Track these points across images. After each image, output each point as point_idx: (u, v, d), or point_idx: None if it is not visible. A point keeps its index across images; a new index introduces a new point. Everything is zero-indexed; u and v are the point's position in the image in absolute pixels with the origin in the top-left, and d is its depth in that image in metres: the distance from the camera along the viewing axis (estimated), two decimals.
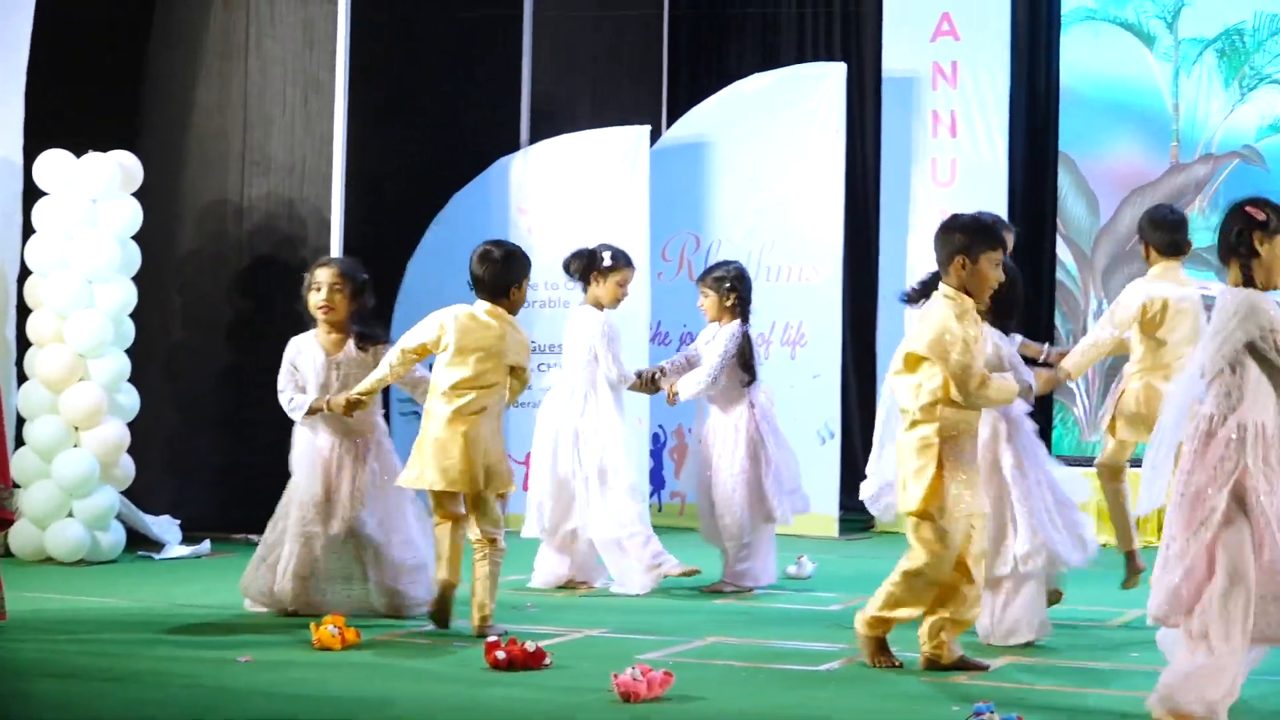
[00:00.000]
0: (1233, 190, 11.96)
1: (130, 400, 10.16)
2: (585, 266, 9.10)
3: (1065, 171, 12.59)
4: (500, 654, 6.55)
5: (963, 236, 6.82)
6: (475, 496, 7.44)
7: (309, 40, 10.93)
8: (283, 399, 8.08)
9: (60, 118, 10.29)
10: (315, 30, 10.91)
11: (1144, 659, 7.10)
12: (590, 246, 9.24)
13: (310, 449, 8.00)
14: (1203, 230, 12.22)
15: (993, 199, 12.04)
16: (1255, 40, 12.20)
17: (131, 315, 10.17)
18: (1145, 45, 12.44)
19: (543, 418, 9.18)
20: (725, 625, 7.80)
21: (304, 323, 8.19)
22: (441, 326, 7.53)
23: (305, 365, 8.04)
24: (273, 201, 10.97)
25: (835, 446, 11.72)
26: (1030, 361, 7.99)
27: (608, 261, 9.06)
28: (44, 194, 10.04)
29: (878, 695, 6.30)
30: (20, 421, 9.88)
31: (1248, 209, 6.04)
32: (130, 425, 10.09)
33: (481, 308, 7.57)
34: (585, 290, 9.17)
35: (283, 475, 8.13)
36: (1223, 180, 12.22)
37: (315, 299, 8.05)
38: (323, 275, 8.07)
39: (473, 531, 7.46)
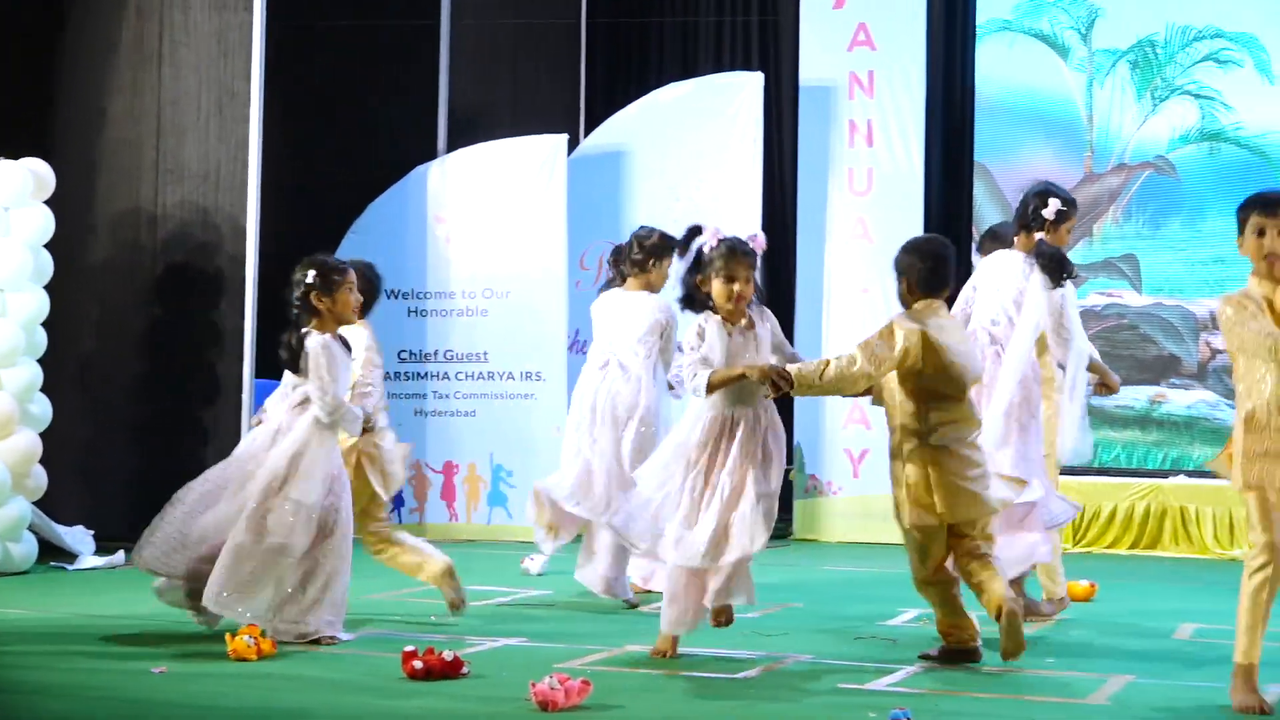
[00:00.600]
0: (1145, 200, 12.10)
1: (42, 410, 10.06)
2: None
3: (981, 181, 12.68)
4: (417, 664, 6.52)
5: None
6: None
7: (223, 49, 10.87)
8: None
9: None
10: (229, 39, 10.86)
11: (1059, 665, 7.16)
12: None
13: (330, 458, 7.67)
14: (1116, 240, 12.37)
15: (909, 208, 12.12)
16: (1167, 52, 12.32)
17: (44, 324, 10.07)
18: (1060, 56, 12.54)
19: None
20: (644, 633, 7.79)
21: (221, 330, 8.13)
22: None
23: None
24: (187, 209, 10.89)
25: None
26: None
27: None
28: None
29: (795, 702, 6.31)
30: None
31: None
32: (42, 435, 9.99)
33: None
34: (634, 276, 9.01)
35: None
36: (1136, 190, 12.34)
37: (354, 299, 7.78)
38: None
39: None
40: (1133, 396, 12.08)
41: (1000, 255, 8.40)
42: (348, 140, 12.51)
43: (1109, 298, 12.23)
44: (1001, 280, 8.27)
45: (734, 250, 7.20)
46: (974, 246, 12.60)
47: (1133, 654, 7.51)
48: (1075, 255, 12.43)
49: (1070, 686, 6.71)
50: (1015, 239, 8.33)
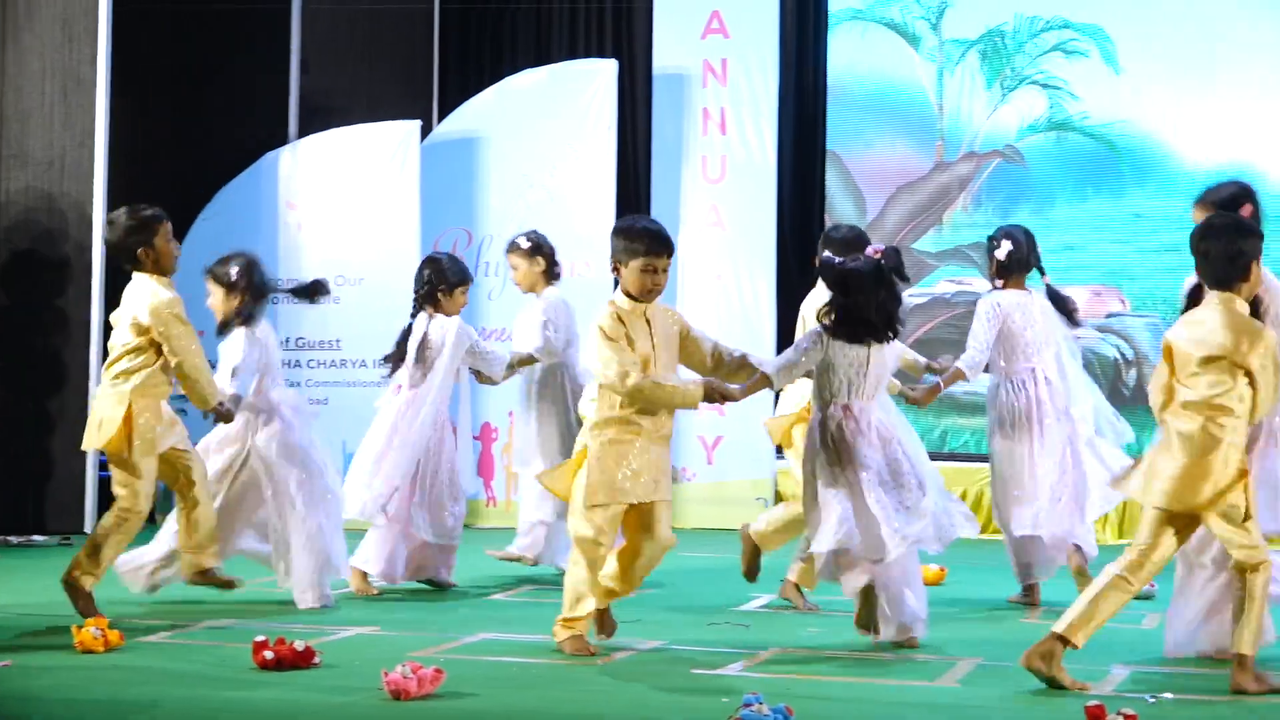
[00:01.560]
0: (995, 188, 12.23)
1: None
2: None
3: (833, 169, 12.76)
4: (268, 654, 6.45)
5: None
6: None
7: (68, 34, 10.69)
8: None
9: None
10: (75, 24, 10.68)
11: (871, 644, 7.23)
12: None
13: None
14: (966, 228, 12.49)
15: (762, 196, 12.18)
16: (1016, 42, 12.47)
17: None
18: (911, 45, 12.65)
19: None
20: (497, 621, 7.77)
21: (67, 318, 8.01)
22: None
23: None
24: (32, 196, 10.70)
25: None
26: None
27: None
28: None
29: (649, 688, 6.32)
30: None
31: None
32: None
33: None
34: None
35: (46, 474, 7.93)
36: (985, 178, 12.47)
37: None
38: None
39: None
40: (983, 383, 12.25)
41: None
42: (197, 126, 12.35)
43: (959, 285, 12.36)
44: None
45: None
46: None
47: (982, 637, 7.60)
48: (925, 243, 12.57)
49: (920, 669, 6.77)
50: None
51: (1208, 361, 6.31)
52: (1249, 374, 6.29)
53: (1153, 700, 6.10)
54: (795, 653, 7.08)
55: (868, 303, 7.04)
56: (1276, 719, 5.99)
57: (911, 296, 12.51)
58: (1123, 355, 12.07)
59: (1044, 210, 12.22)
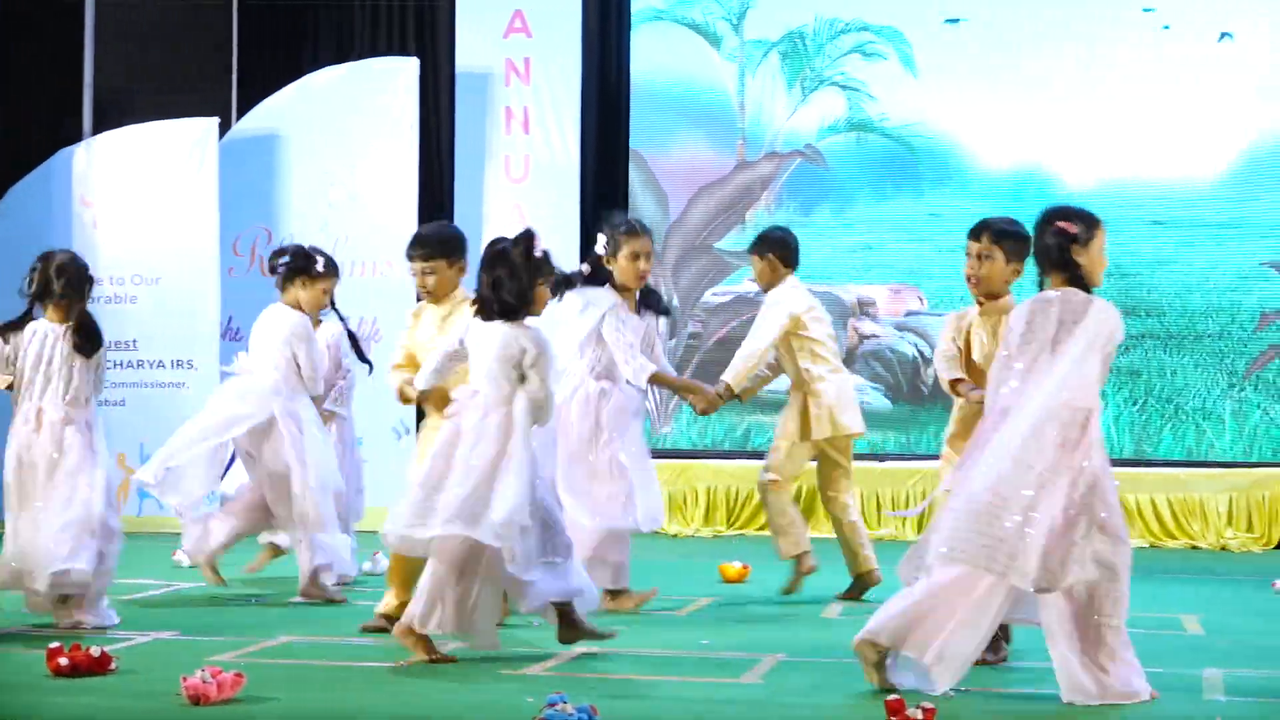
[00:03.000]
0: (796, 188, 12.35)
1: None
2: (296, 268, 8.74)
3: (636, 169, 12.80)
4: (63, 660, 6.32)
5: None
6: None
7: None
8: None
9: None
10: None
11: (714, 645, 7.27)
12: (304, 246, 8.86)
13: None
14: (768, 227, 12.56)
15: (565, 195, 12.19)
16: (816, 43, 12.59)
17: None
18: (712, 46, 12.73)
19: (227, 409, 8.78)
20: (298, 624, 7.68)
21: None
22: None
23: None
24: None
25: (411, 442, 11.66)
26: None
27: (320, 268, 8.72)
28: None
29: (455, 688, 6.29)
30: None
31: (1060, 225, 6.21)
32: None
33: None
34: (284, 290, 8.72)
35: None
36: (786, 178, 12.59)
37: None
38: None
39: None
40: (783, 381, 12.35)
41: None
42: None
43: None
44: None
45: None
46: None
47: (784, 633, 7.66)
48: (727, 242, 12.66)
49: (724, 666, 6.81)
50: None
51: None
52: None
53: (952, 695, 6.18)
54: (601, 652, 7.08)
55: (484, 281, 6.92)
56: (1076, 712, 6.11)
57: (714, 295, 12.60)
58: (921, 353, 12.25)
59: (844, 210, 12.36)
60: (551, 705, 5.52)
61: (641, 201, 12.74)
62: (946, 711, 5.71)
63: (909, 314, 12.34)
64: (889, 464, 12.06)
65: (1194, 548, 11.40)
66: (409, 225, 11.83)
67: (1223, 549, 11.41)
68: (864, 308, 12.26)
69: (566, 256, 12.10)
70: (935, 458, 11.90)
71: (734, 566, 9.36)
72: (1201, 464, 11.89)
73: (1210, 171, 12.07)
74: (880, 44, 12.52)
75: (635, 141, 12.82)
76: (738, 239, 12.58)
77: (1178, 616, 8.28)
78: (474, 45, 12.44)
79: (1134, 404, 12.09)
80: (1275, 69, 11.93)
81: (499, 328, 6.77)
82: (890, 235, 12.13)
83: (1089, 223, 6.25)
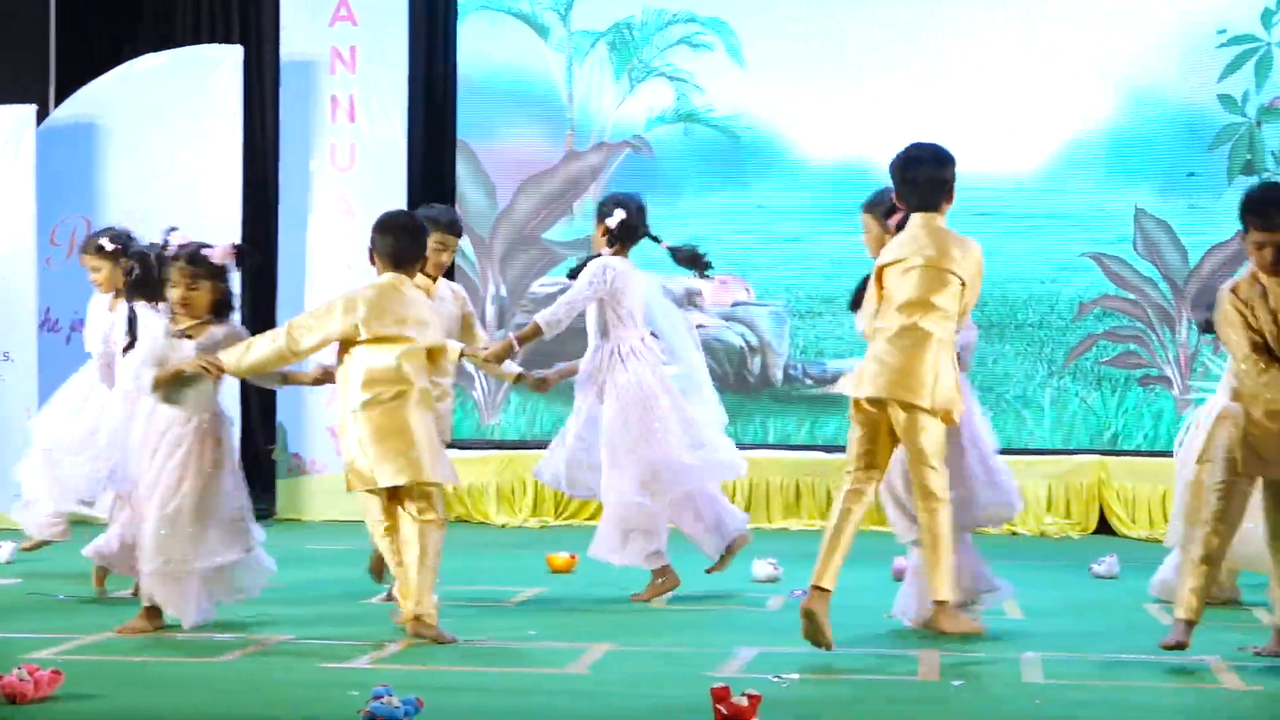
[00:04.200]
0: (624, 178, 12.35)
1: None
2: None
3: (463, 159, 12.74)
4: None
5: None
6: None
7: None
8: None
9: None
10: None
11: (541, 635, 7.27)
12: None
13: None
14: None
15: (392, 185, 12.11)
16: (644, 34, 12.62)
17: None
18: (540, 36, 12.70)
19: None
20: (118, 620, 7.55)
21: None
22: None
23: None
24: None
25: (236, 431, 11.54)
26: None
27: None
28: None
29: (277, 683, 6.23)
30: None
31: None
32: None
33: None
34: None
35: None
36: (615, 168, 12.60)
37: None
38: None
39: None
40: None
41: None
42: None
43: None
44: None
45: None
46: None
47: (613, 622, 7.68)
48: (555, 232, 12.65)
49: (551, 656, 6.82)
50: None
51: (919, 269, 6.92)
52: (961, 281, 6.96)
53: (777, 680, 6.23)
54: (425, 645, 7.04)
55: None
56: (903, 695, 6.18)
57: (542, 286, 12.57)
58: (748, 343, 12.32)
59: (672, 201, 12.38)
60: (376, 698, 5.49)
61: (469, 192, 12.69)
62: (772, 696, 5.75)
63: (736, 304, 12.41)
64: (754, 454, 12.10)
65: (1014, 534, 11.57)
66: (232, 215, 11.73)
67: (1042, 535, 11.60)
68: (692, 298, 12.30)
69: None
70: (761, 447, 12.05)
71: (561, 556, 9.36)
72: (1021, 451, 12.05)
73: (1031, 164, 12.26)
74: (707, 35, 12.57)
75: (462, 131, 12.76)
76: (566, 230, 12.58)
77: (999, 602, 8.40)
78: (299, 33, 12.31)
79: None
80: (1095, 63, 12.14)
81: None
82: (717, 226, 12.17)
83: None
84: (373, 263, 7.47)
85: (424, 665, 6.57)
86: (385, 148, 12.19)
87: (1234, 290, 6.65)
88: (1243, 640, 6.97)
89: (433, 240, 7.98)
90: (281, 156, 12.41)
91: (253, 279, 11.88)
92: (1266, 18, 11.96)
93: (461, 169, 12.74)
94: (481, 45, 12.75)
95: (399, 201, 12.07)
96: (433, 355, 7.32)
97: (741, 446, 12.09)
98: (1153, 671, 6.62)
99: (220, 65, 11.95)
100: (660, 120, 12.61)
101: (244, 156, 11.95)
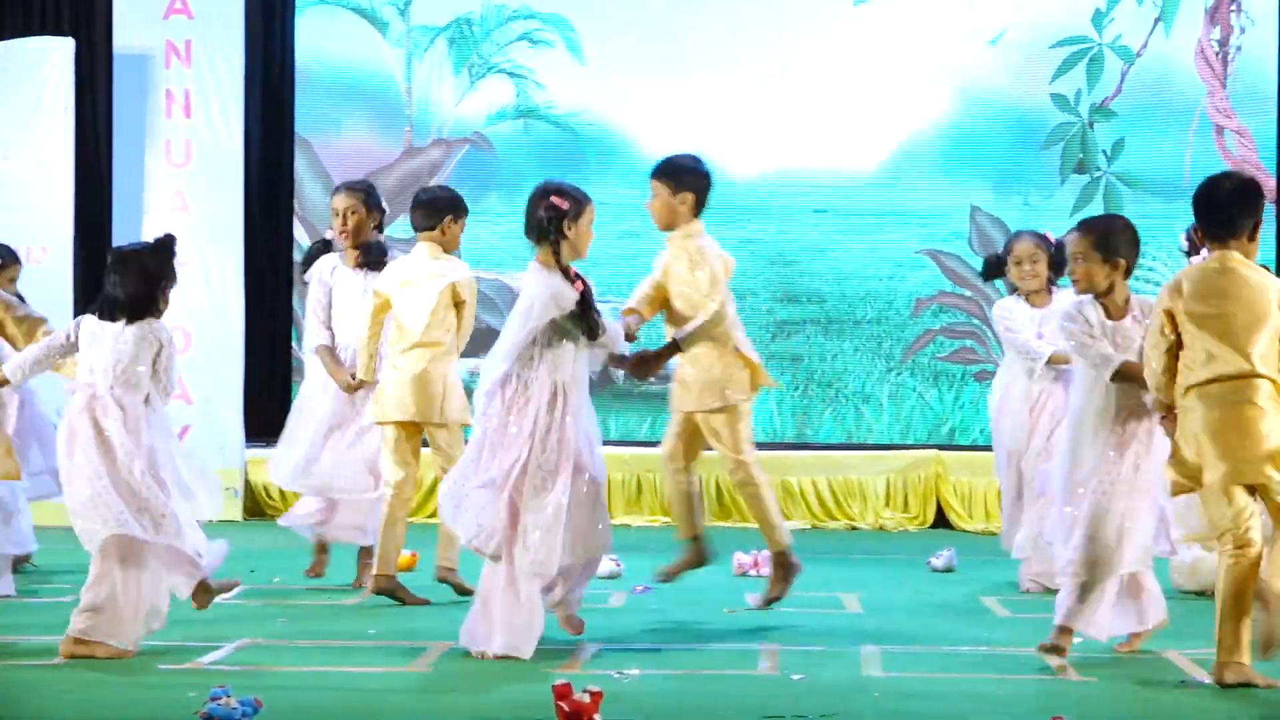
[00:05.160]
0: (465, 174, 12.32)
1: None
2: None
3: (301, 154, 12.63)
4: None
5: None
6: None
7: None
8: None
9: None
10: None
11: (381, 635, 7.22)
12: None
13: None
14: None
15: (229, 181, 11.98)
16: (484, 30, 12.58)
17: None
18: (379, 31, 12.62)
19: None
20: None
21: None
22: None
23: None
24: None
25: None
26: None
27: None
28: None
29: (113, 685, 6.13)
30: None
31: (554, 199, 6.90)
32: None
33: None
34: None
35: None
36: (455, 164, 12.55)
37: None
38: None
39: None
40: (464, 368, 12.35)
41: None
42: None
43: None
44: None
45: None
46: (295, 220, 12.55)
47: (454, 620, 7.62)
48: (395, 229, 12.57)
49: (392, 655, 6.77)
50: None
51: None
52: None
53: (619, 676, 6.24)
54: (265, 643, 6.98)
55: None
56: (743, 689, 6.21)
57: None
58: None
59: (513, 197, 12.34)
60: (214, 699, 5.42)
61: (308, 187, 12.58)
62: (614, 692, 5.76)
63: None
64: None
65: (853, 528, 11.69)
66: (64, 211, 11.53)
67: (880, 529, 11.72)
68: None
69: (229, 242, 11.92)
70: (605, 444, 12.00)
71: (403, 555, 9.29)
72: (860, 446, 12.21)
73: (870, 162, 12.39)
74: (548, 31, 12.57)
75: (301, 127, 12.65)
76: (405, 226, 12.46)
77: (838, 595, 8.48)
78: (133, 26, 12.12)
79: (796, 388, 12.36)
80: (932, 63, 12.28)
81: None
82: None
83: (579, 200, 7.07)
84: None
85: (264, 665, 6.50)
86: (222, 143, 12.04)
87: None
88: (1080, 632, 7.08)
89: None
90: (116, 151, 12.22)
91: (84, 275, 11.70)
92: (1098, 19, 12.19)
93: (300, 164, 12.63)
94: (320, 40, 12.64)
95: (236, 198, 11.97)
96: None
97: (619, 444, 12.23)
98: (990, 663, 6.71)
99: (50, 58, 11.75)
100: (500, 116, 12.58)
101: (77, 151, 11.76)
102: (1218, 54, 12.19)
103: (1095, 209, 11.87)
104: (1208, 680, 6.21)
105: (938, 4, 12.33)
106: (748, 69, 12.39)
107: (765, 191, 12.45)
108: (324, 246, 8.86)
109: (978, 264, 12.17)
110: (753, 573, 8.98)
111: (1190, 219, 6.89)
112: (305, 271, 8.84)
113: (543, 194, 6.95)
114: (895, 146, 12.37)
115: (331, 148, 12.64)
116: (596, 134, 12.49)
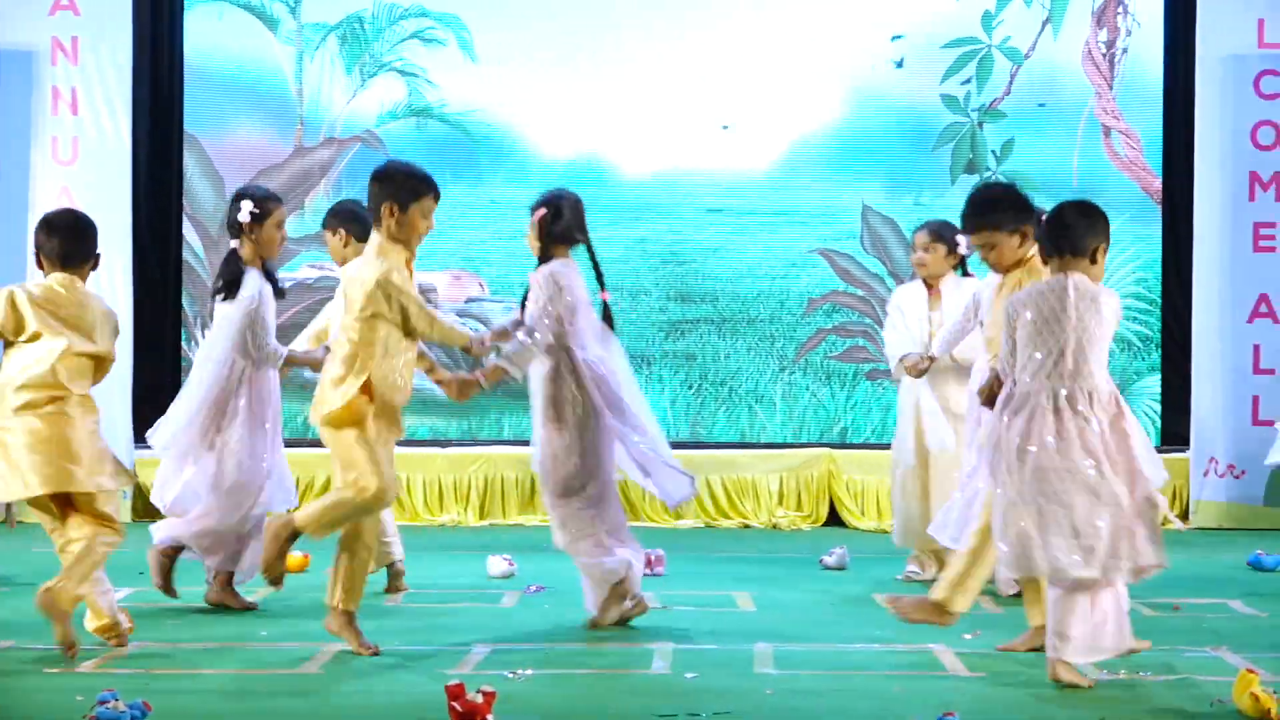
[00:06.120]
0: (356, 173, 12.26)
1: None
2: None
3: (191, 152, 12.51)
4: None
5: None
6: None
7: None
8: None
9: None
10: None
11: (273, 636, 7.17)
12: None
13: None
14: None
15: (117, 179, 11.85)
16: (375, 28, 12.51)
17: None
18: (269, 28, 12.52)
19: None
20: None
21: None
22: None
23: None
24: None
25: None
26: None
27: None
28: None
29: (5, 689, 6.06)
30: None
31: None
32: None
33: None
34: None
35: None
36: (346, 163, 12.48)
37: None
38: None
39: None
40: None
41: None
42: None
43: (320, 270, 12.31)
44: None
45: None
46: (185, 219, 12.44)
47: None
48: (286, 229, 12.46)
49: (283, 657, 6.73)
50: None
51: None
52: None
53: (513, 676, 6.23)
54: (153, 647, 6.91)
55: None
56: (639, 687, 6.22)
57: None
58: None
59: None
60: (102, 703, 5.37)
61: (197, 186, 12.47)
62: (507, 692, 5.74)
63: (470, 300, 12.39)
64: (451, 450, 12.07)
65: (746, 526, 11.72)
66: None
67: (774, 527, 11.76)
68: (425, 294, 12.20)
69: (116, 241, 11.79)
70: (497, 443, 12.06)
71: (295, 556, 9.22)
72: (754, 445, 12.25)
73: (763, 162, 12.43)
74: (440, 30, 12.51)
75: (190, 124, 12.53)
76: (297, 225, 12.40)
77: (731, 594, 8.50)
78: (18, 22, 11.94)
79: (689, 388, 12.38)
80: (824, 63, 12.34)
81: None
82: (451, 222, 12.12)
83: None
84: (40, 265, 7.12)
85: (153, 668, 6.44)
86: (110, 141, 11.91)
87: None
88: (972, 628, 7.14)
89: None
90: (1, 149, 12.04)
91: None
92: (987, 21, 12.29)
93: (189, 163, 12.51)
94: (209, 37, 12.52)
95: (124, 196, 11.84)
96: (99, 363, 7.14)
97: (477, 443, 12.22)
98: (882, 660, 6.75)
99: None
100: (392, 115, 12.52)
101: None
102: (1105, 56, 12.33)
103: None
104: (1104, 676, 6.29)
105: (831, 5, 12.39)
106: (641, 68, 12.40)
107: (659, 191, 12.46)
108: None
109: (869, 263, 12.29)
110: (647, 572, 8.99)
111: None
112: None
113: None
114: (788, 146, 12.42)
115: (221, 146, 12.53)
116: (489, 133, 12.46)
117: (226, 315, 8.04)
